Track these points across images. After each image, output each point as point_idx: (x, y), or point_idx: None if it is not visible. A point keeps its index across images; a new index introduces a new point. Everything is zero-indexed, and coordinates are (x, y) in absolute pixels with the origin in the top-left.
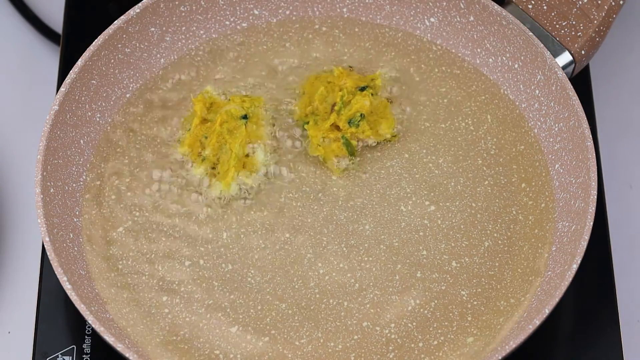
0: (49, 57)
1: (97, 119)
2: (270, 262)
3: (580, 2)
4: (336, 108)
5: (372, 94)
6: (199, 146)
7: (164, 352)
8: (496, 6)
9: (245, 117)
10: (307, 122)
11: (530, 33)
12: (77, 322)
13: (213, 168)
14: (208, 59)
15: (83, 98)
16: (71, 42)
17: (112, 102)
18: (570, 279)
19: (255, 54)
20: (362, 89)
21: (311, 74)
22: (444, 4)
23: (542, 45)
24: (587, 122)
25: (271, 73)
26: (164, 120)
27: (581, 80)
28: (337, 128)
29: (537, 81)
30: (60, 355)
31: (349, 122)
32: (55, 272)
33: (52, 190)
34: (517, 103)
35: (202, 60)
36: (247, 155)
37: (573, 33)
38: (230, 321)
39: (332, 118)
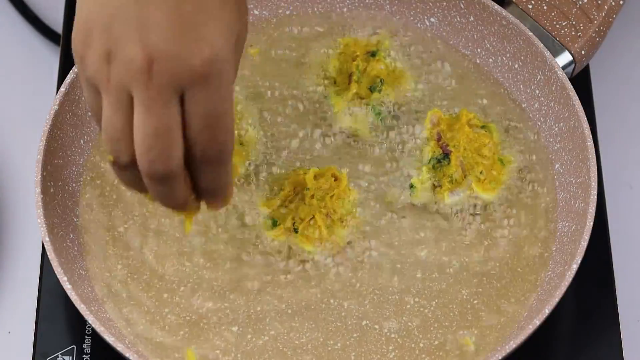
0: (49, 57)
1: None
2: None
3: (580, 2)
4: (354, 78)
5: (384, 57)
6: None
7: (164, 352)
8: (496, 6)
9: None
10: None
11: (530, 33)
12: (77, 322)
13: None
14: None
15: (83, 98)
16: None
17: None
18: (570, 279)
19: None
20: (373, 54)
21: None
22: (444, 4)
23: (542, 45)
24: (587, 122)
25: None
26: None
27: (581, 80)
28: (360, 97)
29: (537, 81)
30: (60, 355)
31: (370, 89)
32: (55, 272)
33: (52, 190)
34: (517, 103)
35: None
36: (241, 138)
37: (573, 33)
38: (230, 321)
39: (354, 88)
